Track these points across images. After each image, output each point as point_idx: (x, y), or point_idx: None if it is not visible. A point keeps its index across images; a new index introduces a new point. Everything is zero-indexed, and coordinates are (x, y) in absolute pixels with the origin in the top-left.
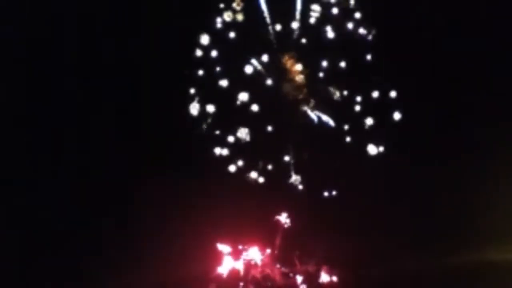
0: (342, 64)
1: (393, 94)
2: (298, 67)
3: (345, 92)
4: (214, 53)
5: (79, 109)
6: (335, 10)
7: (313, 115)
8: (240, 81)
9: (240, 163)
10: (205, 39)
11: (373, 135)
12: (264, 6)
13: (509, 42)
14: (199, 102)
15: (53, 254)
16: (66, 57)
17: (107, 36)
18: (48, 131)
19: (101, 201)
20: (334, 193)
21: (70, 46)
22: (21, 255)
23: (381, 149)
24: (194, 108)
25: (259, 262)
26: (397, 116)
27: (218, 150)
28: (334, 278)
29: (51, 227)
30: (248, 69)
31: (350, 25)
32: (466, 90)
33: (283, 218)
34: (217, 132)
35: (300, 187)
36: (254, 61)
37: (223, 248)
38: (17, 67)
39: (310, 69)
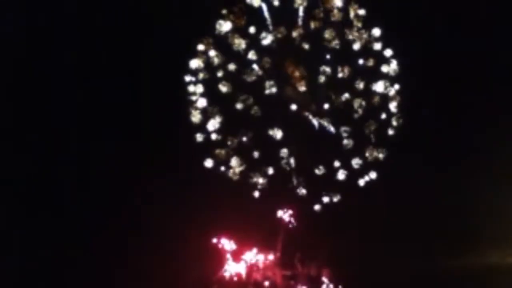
0: (344, 70)
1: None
2: (300, 72)
3: (346, 95)
4: (215, 57)
5: (79, 109)
6: (337, 15)
7: (314, 120)
8: (241, 86)
9: (242, 167)
10: (207, 44)
11: (374, 139)
12: (266, 12)
13: (509, 42)
14: (198, 109)
15: (52, 254)
16: (66, 57)
17: (107, 36)
18: (48, 131)
19: (101, 202)
20: (335, 199)
21: (70, 46)
22: (21, 256)
23: (381, 154)
24: (195, 115)
25: (260, 265)
26: (398, 120)
27: (218, 151)
28: (336, 281)
29: (50, 227)
30: (250, 74)
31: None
32: (466, 91)
33: (285, 221)
34: (219, 137)
35: (303, 190)
36: (255, 66)
37: (225, 250)
38: (17, 67)
39: (312, 74)
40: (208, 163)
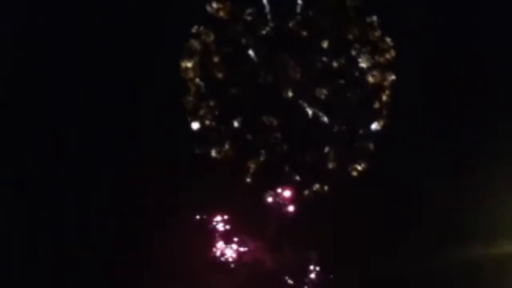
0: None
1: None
2: (296, 62)
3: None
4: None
5: (79, 109)
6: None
7: (309, 110)
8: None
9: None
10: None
11: (369, 134)
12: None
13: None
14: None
15: (52, 253)
16: (66, 57)
17: (107, 36)
18: (48, 131)
19: (100, 201)
20: (326, 187)
21: (70, 46)
22: (21, 256)
23: (371, 145)
24: (189, 101)
25: (251, 248)
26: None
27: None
28: (325, 267)
29: (50, 227)
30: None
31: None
32: (466, 91)
33: (277, 205)
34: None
35: (295, 176)
36: (251, 52)
37: (216, 232)
38: (17, 67)
39: (307, 65)
40: (200, 147)
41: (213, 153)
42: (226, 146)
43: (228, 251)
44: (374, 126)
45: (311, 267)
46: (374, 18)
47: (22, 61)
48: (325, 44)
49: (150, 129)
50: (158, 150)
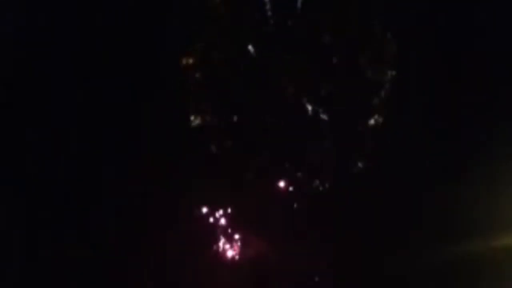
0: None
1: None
2: (296, 60)
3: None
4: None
5: (79, 109)
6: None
7: (309, 107)
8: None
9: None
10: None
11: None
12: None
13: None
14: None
15: (52, 253)
16: (66, 57)
17: (107, 36)
18: (48, 131)
19: (100, 201)
20: (327, 184)
21: (70, 46)
22: (21, 256)
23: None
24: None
25: (253, 245)
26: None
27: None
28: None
29: (50, 227)
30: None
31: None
32: (466, 91)
33: (278, 201)
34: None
35: (297, 173)
36: (250, 47)
37: (217, 230)
38: (17, 67)
39: (309, 62)
40: (201, 143)
41: (214, 149)
42: (227, 142)
43: (230, 249)
44: (373, 122)
45: (313, 266)
46: (375, 16)
47: (22, 61)
48: (325, 40)
49: (150, 127)
50: (159, 148)
